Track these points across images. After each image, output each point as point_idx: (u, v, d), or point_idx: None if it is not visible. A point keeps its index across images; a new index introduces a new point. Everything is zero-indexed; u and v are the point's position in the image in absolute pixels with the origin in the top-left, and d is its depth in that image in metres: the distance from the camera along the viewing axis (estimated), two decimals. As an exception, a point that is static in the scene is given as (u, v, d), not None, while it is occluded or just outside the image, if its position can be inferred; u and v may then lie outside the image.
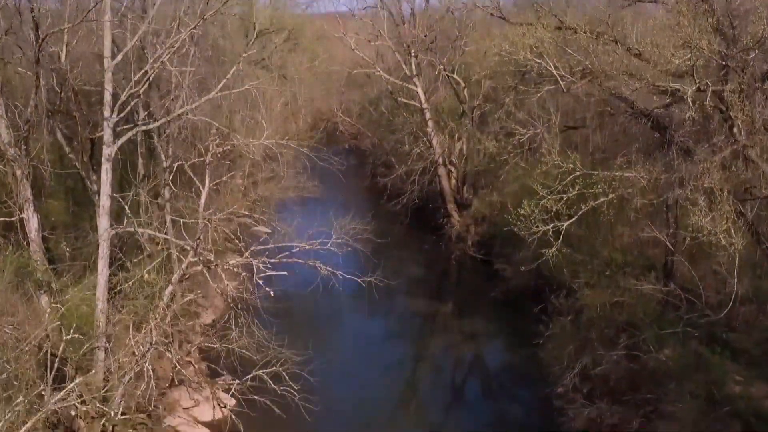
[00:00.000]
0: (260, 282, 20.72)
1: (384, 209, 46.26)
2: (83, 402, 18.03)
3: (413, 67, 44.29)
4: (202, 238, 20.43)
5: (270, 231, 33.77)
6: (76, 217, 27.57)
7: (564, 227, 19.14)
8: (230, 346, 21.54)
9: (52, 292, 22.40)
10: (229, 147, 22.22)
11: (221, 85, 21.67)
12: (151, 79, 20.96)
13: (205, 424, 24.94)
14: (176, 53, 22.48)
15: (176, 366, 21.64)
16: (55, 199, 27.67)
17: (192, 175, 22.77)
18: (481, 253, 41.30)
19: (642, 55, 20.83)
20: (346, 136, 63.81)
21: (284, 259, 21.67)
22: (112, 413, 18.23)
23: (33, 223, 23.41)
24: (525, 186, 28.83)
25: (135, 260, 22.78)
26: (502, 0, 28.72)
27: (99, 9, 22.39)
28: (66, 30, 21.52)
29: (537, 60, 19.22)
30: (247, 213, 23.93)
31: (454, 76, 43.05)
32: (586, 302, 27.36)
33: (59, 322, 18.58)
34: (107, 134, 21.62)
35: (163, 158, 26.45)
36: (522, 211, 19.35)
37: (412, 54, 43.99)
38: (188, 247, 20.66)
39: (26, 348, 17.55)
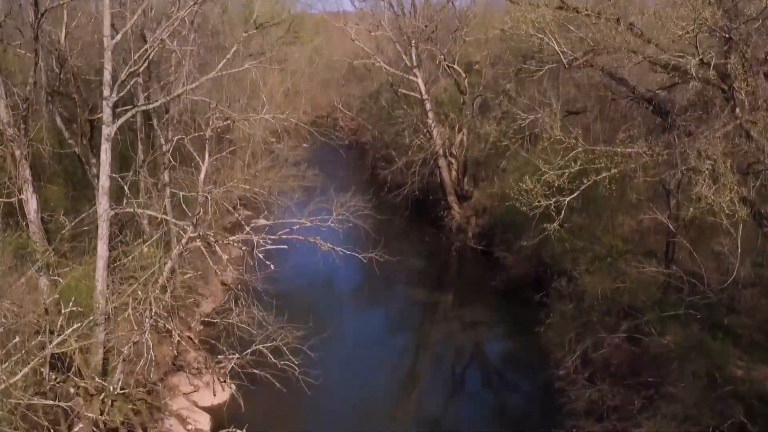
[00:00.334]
0: (260, 255, 20.58)
1: (384, 201, 46.12)
2: (81, 377, 17.88)
3: (413, 58, 44.19)
4: (201, 212, 20.32)
5: (271, 223, 33.73)
6: (76, 199, 27.46)
7: (566, 202, 19.03)
8: (230, 321, 21.40)
9: (51, 273, 22.27)
10: (229, 122, 22.07)
11: (222, 64, 21.58)
12: (151, 57, 20.84)
13: (205, 409, 24.88)
14: (176, 36, 22.44)
15: (178, 339, 21.48)
16: (54, 183, 27.53)
17: (192, 150, 22.64)
18: (481, 245, 41.24)
19: (644, 35, 20.74)
20: (346, 132, 63.73)
21: (284, 236, 21.55)
22: (111, 388, 18.11)
23: (32, 204, 23.23)
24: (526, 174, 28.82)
25: (135, 243, 22.64)
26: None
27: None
28: (65, 5, 21.40)
29: (539, 35, 19.12)
30: (246, 186, 23.69)
31: (455, 66, 42.96)
32: (587, 288, 27.29)
33: (57, 296, 18.42)
34: (107, 114, 21.51)
35: (163, 142, 26.35)
36: (524, 186, 19.25)
37: (413, 44, 43.89)
38: (188, 227, 20.53)
39: (24, 323, 17.39)
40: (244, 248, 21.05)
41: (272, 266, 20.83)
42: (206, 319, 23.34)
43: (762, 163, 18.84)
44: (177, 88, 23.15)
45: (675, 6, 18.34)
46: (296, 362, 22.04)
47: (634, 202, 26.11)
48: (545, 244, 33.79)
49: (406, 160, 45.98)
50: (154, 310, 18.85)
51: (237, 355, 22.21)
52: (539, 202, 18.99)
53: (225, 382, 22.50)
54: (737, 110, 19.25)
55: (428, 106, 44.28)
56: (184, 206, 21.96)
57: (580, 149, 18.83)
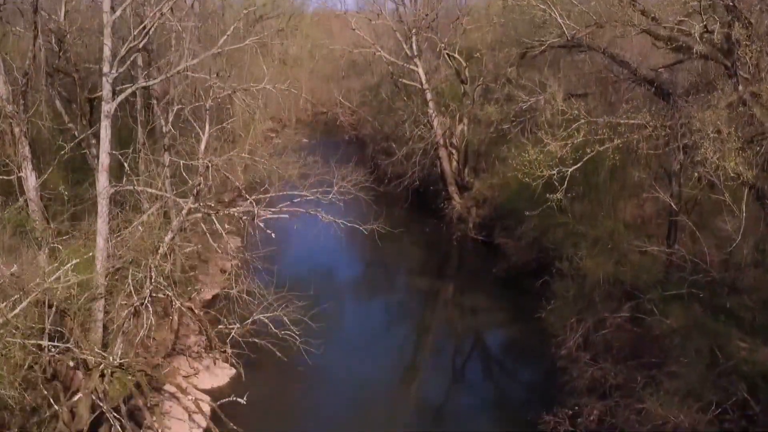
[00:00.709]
0: (261, 224, 20.46)
1: (384, 193, 45.98)
2: (81, 350, 17.76)
3: (414, 47, 44.08)
4: (202, 181, 20.21)
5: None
6: (75, 179, 27.39)
7: (569, 172, 18.93)
8: (231, 291, 21.29)
9: (51, 249, 22.17)
10: (229, 92, 21.94)
11: (223, 40, 21.47)
12: (150, 32, 20.73)
13: (205, 391, 24.74)
14: (176, 13, 22.35)
15: (180, 310, 21.28)
16: (53, 160, 27.40)
17: (192, 121, 22.54)
18: (482, 235, 41.14)
19: (646, 11, 20.68)
20: (347, 127, 63.68)
21: (285, 208, 21.45)
22: (111, 359, 17.98)
23: (31, 182, 23.19)
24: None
25: (135, 216, 22.53)
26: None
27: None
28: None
29: (542, 6, 19.02)
30: (247, 155, 23.57)
31: (456, 55, 42.86)
32: (589, 271, 27.16)
33: (57, 266, 18.31)
34: (106, 90, 21.38)
35: (163, 123, 26.24)
36: (527, 157, 19.14)
37: (413, 34, 43.76)
38: (188, 200, 20.40)
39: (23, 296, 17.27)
40: (244, 218, 20.91)
41: (273, 234, 20.64)
42: (206, 289, 23.16)
43: (765, 136, 18.77)
44: (177, 66, 23.02)
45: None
46: (297, 332, 21.96)
47: (637, 180, 25.95)
48: (546, 232, 33.81)
49: (406, 151, 45.84)
50: (153, 277, 18.71)
51: (237, 325, 22.06)
52: (542, 172, 18.91)
53: (225, 352, 22.36)
54: (740, 87, 19.21)
55: (429, 96, 44.16)
56: (185, 174, 21.81)
57: (582, 121, 18.73)
